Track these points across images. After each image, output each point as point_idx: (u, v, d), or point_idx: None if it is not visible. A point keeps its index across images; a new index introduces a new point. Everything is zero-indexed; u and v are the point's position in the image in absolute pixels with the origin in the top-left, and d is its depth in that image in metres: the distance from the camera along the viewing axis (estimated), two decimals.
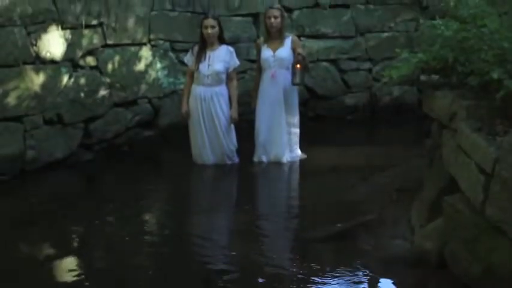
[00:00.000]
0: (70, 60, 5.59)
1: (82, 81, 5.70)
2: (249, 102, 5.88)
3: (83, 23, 5.59)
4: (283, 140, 5.63)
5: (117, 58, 5.98)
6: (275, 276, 3.47)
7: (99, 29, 5.79)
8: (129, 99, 6.12)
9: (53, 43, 5.39)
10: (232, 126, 5.61)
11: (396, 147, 5.90)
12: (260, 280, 3.43)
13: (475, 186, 2.98)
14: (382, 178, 5.00)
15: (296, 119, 5.71)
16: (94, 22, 5.72)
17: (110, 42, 5.89)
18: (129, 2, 5.99)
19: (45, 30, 5.30)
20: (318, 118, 7.27)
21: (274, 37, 5.59)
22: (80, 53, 5.65)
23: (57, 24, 5.40)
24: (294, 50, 5.53)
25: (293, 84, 5.49)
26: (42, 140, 5.40)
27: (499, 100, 3.19)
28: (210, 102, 5.50)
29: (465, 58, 3.57)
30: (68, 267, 3.64)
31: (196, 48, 5.54)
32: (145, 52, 6.21)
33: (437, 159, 3.89)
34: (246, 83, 6.61)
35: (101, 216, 4.46)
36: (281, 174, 5.56)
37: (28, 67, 5.24)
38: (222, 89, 5.56)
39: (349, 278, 3.40)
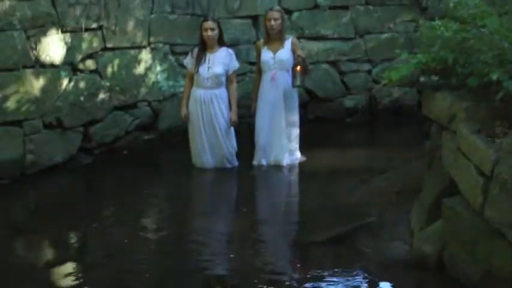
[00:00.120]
0: (70, 64, 5.59)
1: (82, 84, 5.70)
2: (248, 105, 5.87)
3: (83, 26, 5.60)
4: (283, 143, 5.62)
5: (116, 61, 5.98)
6: (274, 279, 3.46)
7: (98, 33, 5.79)
8: (128, 103, 6.12)
9: (53, 47, 5.39)
10: (232, 129, 5.60)
11: (396, 149, 5.90)
12: (259, 284, 3.41)
13: (474, 188, 2.97)
14: (382, 180, 4.98)
15: (296, 122, 5.69)
16: (93, 25, 5.72)
17: (109, 45, 5.89)
18: (129, 5, 6.00)
19: (44, 34, 5.31)
20: (317, 120, 7.25)
21: (274, 39, 5.58)
22: (79, 57, 5.66)
23: (56, 28, 5.40)
24: (293, 51, 5.52)
25: (293, 86, 5.49)
26: (41, 144, 5.40)
27: (499, 101, 3.18)
28: (209, 104, 5.49)
29: (465, 59, 3.56)
30: (67, 270, 3.63)
31: (195, 50, 5.53)
32: (145, 55, 6.21)
33: (436, 161, 3.88)
34: (245, 85, 6.60)
35: (100, 220, 4.45)
36: (281, 177, 5.54)
37: (28, 71, 5.24)
38: (222, 91, 5.55)
39: (348, 281, 3.39)
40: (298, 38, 6.63)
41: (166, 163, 6.08)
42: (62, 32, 5.46)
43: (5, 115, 5.13)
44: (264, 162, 5.64)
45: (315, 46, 7.25)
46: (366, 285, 3.35)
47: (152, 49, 6.26)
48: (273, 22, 5.52)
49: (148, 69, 6.24)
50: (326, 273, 3.47)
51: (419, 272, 3.39)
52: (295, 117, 5.69)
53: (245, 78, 6.76)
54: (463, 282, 3.07)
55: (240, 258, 3.79)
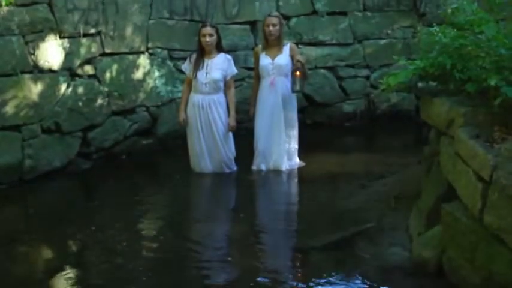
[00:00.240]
0: (68, 69, 5.60)
1: (80, 90, 5.71)
2: (247, 110, 5.88)
3: (81, 31, 5.60)
4: (282, 148, 5.62)
5: (115, 67, 5.98)
6: (273, 285, 3.45)
7: (97, 38, 5.80)
8: (127, 108, 6.12)
9: (51, 52, 5.39)
10: (231, 134, 5.60)
11: (394, 154, 5.90)
12: None
13: (473, 193, 2.97)
14: (380, 186, 4.98)
15: (295, 127, 5.70)
16: (92, 31, 5.73)
17: (107, 50, 5.90)
18: (127, 11, 6.01)
19: (43, 39, 5.31)
20: (316, 125, 7.27)
21: (273, 44, 5.59)
22: (77, 62, 5.66)
23: (55, 33, 5.41)
24: (292, 57, 5.53)
25: (293, 91, 5.49)
26: (40, 148, 5.39)
27: (497, 107, 3.19)
28: (208, 110, 5.49)
29: (463, 65, 3.57)
30: (66, 275, 3.62)
31: (194, 56, 5.54)
32: (143, 60, 6.21)
33: (435, 167, 3.89)
34: (243, 90, 6.62)
35: (99, 225, 4.44)
36: (280, 182, 5.54)
37: (26, 76, 5.25)
38: (220, 97, 5.56)
39: (347, 287, 3.38)
40: (297, 43, 6.64)
41: (164, 168, 6.07)
42: (60, 37, 5.46)
43: (4, 120, 5.13)
44: (263, 167, 5.64)
45: (313, 52, 7.27)
46: None
47: (150, 54, 6.27)
48: (271, 28, 5.53)
49: (146, 74, 6.24)
50: (325, 279, 3.47)
51: (419, 277, 3.38)
52: (294, 123, 5.70)
53: (243, 83, 6.77)
54: (463, 287, 3.07)
55: (238, 262, 3.78)
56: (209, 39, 5.43)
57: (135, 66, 6.15)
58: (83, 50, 5.68)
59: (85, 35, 5.66)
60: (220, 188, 5.47)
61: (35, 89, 5.32)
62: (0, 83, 5.09)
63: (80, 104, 5.70)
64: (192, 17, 6.54)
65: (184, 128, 5.62)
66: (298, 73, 5.34)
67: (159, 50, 6.33)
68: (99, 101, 5.86)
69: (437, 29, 3.90)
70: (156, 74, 6.32)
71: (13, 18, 5.09)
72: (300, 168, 5.68)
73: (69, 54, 5.54)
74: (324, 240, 3.94)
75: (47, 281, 3.61)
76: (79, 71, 5.71)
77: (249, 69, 6.57)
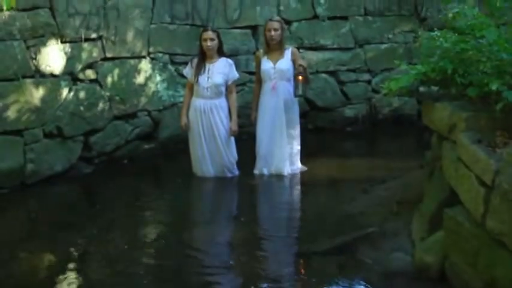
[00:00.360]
0: (69, 74, 5.60)
1: (82, 94, 5.71)
2: (248, 115, 5.88)
3: (82, 36, 5.62)
4: (284, 152, 5.61)
5: (116, 71, 5.99)
6: None
7: (98, 43, 5.81)
8: (128, 112, 6.12)
9: (53, 57, 5.40)
10: (232, 138, 5.60)
11: (396, 159, 5.89)
12: None
13: (475, 198, 2.97)
14: (382, 190, 4.97)
15: (297, 131, 5.70)
16: (93, 35, 5.74)
17: (109, 55, 5.91)
18: (128, 16, 6.02)
19: (44, 44, 5.32)
20: (317, 130, 7.27)
21: (274, 49, 5.59)
22: (79, 67, 5.67)
23: (56, 38, 5.42)
24: (293, 61, 5.53)
25: (295, 96, 5.49)
26: (42, 153, 5.40)
27: (499, 111, 3.19)
28: (209, 114, 5.49)
29: (464, 69, 3.57)
30: (67, 279, 3.62)
31: (195, 60, 5.55)
32: (145, 65, 6.22)
33: (437, 171, 3.88)
34: (245, 95, 6.62)
35: (101, 229, 4.43)
36: (281, 186, 5.54)
37: (28, 81, 5.25)
38: (222, 101, 5.56)
39: None
40: (298, 48, 6.64)
41: (166, 172, 6.07)
42: (62, 42, 5.47)
43: (6, 124, 5.14)
44: (265, 171, 5.64)
45: (314, 56, 7.28)
46: None
47: (152, 59, 6.28)
48: (272, 32, 5.54)
49: (148, 79, 6.25)
50: (327, 284, 3.46)
51: (421, 282, 3.37)
52: (296, 127, 5.70)
53: (244, 88, 6.78)
54: None
55: (240, 267, 3.78)
56: (210, 44, 5.43)
57: (137, 70, 6.16)
58: (84, 55, 5.69)
59: (86, 40, 5.67)
60: (222, 193, 5.46)
61: (37, 94, 5.33)
62: (2, 87, 5.10)
63: (82, 108, 5.71)
64: (194, 22, 6.55)
65: (186, 132, 5.62)
66: (300, 77, 5.34)
67: (160, 55, 6.34)
68: (101, 105, 5.87)
69: (439, 34, 3.90)
70: (158, 78, 6.33)
71: (14, 23, 5.11)
72: (302, 173, 5.68)
73: (70, 59, 5.56)
74: (326, 245, 3.94)
75: (48, 285, 3.60)
76: (81, 76, 5.72)
77: (251, 73, 6.57)
